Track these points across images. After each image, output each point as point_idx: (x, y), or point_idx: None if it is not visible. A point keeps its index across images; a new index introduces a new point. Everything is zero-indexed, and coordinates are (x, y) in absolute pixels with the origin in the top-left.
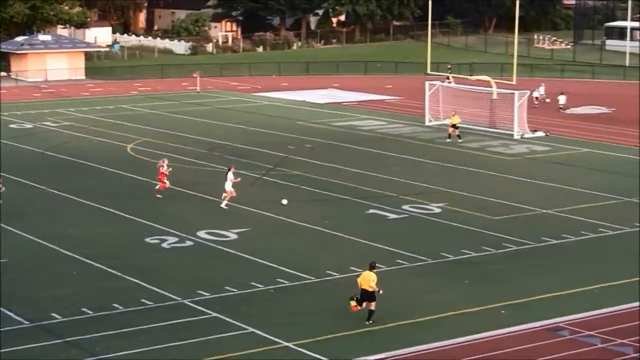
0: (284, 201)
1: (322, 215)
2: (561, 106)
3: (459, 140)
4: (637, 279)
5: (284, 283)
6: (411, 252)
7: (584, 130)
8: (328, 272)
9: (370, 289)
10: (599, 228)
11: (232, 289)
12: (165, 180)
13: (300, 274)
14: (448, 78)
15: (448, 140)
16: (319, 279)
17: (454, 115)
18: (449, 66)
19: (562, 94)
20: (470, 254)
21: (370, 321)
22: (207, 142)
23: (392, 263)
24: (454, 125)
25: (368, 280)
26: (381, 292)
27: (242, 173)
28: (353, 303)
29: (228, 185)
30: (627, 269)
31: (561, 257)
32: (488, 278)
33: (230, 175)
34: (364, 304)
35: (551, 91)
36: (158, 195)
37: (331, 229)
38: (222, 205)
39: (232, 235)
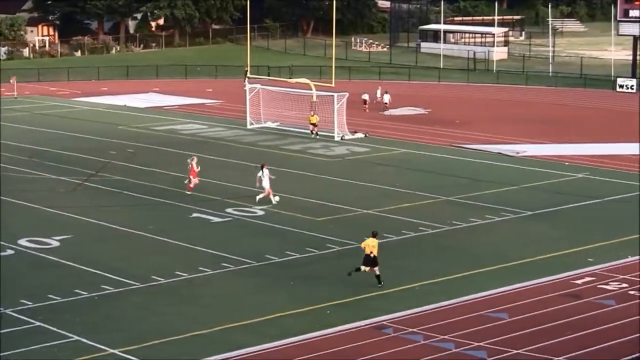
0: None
1: (145, 220)
2: (386, 104)
3: (317, 137)
4: (457, 275)
5: (109, 289)
6: (236, 255)
7: (402, 131)
8: (153, 277)
9: (373, 254)
10: (419, 227)
11: (55, 297)
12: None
13: (125, 280)
14: (245, 81)
15: (313, 136)
16: (144, 284)
17: (312, 115)
18: (247, 69)
19: (386, 92)
20: (294, 255)
21: (381, 284)
22: (26, 148)
23: (217, 266)
24: (313, 124)
25: (372, 245)
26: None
27: (63, 179)
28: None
29: (266, 183)
30: (446, 267)
31: (384, 256)
32: (313, 279)
33: (265, 172)
34: (364, 268)
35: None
36: (188, 193)
37: (155, 234)
38: (274, 200)
39: (54, 243)
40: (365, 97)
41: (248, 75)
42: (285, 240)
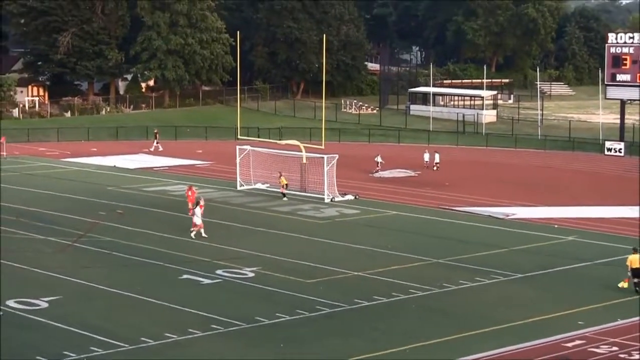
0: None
1: (134, 281)
2: (437, 165)
3: (284, 199)
4: (447, 338)
5: (98, 351)
6: (226, 316)
7: (392, 193)
8: (143, 339)
9: None
10: (410, 289)
11: (43, 359)
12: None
13: (114, 342)
14: (156, 142)
15: (285, 199)
16: (133, 346)
17: (281, 177)
18: (156, 130)
19: (436, 152)
20: (284, 317)
21: (638, 288)
22: (14, 208)
23: (207, 328)
24: (283, 186)
25: (638, 260)
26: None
27: (52, 240)
28: (621, 284)
29: (197, 219)
30: (436, 329)
31: (373, 319)
32: (302, 341)
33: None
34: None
35: (392, 154)
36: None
37: (145, 295)
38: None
39: (42, 304)
40: (378, 159)
41: (157, 137)
42: (275, 302)
